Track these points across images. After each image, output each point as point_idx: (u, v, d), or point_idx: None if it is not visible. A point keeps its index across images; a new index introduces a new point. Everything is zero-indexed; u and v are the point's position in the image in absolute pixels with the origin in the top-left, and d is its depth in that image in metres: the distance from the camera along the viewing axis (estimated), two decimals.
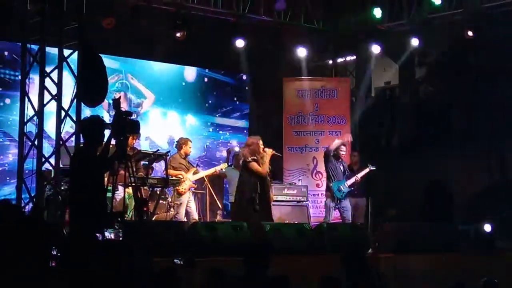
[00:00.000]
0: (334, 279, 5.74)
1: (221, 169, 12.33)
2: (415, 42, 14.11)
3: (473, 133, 13.85)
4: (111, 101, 10.27)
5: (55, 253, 6.47)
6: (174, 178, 11.08)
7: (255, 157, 10.84)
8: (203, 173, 12.18)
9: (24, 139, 10.20)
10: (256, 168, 10.80)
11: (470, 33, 13.28)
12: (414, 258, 10.06)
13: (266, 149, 10.98)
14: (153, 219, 10.59)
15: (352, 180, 12.13)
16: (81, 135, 8.85)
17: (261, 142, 11.01)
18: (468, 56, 13.88)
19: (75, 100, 10.15)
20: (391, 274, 9.18)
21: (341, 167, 12.22)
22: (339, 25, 14.51)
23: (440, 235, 10.89)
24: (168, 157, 10.96)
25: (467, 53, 13.85)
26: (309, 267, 8.95)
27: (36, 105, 10.10)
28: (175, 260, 8.00)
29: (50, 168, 10.15)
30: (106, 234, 8.27)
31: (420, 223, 11.89)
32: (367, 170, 12.34)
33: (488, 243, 11.33)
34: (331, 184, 12.02)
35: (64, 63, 10.22)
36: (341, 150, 12.30)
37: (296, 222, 11.80)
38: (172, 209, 11.39)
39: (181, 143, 11.69)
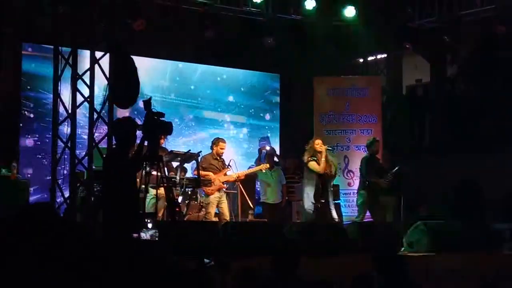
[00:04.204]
0: (366, 278, 5.73)
1: (265, 168, 12.28)
2: (446, 39, 14.01)
3: (506, 131, 13.71)
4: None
5: (89, 254, 6.52)
6: (203, 178, 11.11)
7: (314, 157, 11.46)
8: (245, 171, 12.20)
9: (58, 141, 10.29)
10: (314, 166, 11.43)
11: (502, 29, 13.18)
12: (447, 257, 9.98)
13: (322, 147, 11.52)
14: (185, 219, 10.64)
15: (388, 178, 12.09)
16: (113, 137, 8.91)
17: (317, 142, 11.62)
18: (500, 53, 13.75)
19: (107, 102, 10.21)
20: (423, 274, 9.12)
21: (377, 165, 12.22)
22: (370, 23, 14.43)
23: (474, 234, 10.80)
24: (199, 158, 11.01)
25: (499, 50, 13.72)
26: (341, 266, 8.91)
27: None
28: (206, 261, 8.02)
29: (83, 169, 10.24)
30: (142, 235, 8.30)
31: (452, 222, 11.79)
32: (397, 168, 12.28)
33: None
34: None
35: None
36: (376, 147, 12.37)
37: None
38: (203, 209, 11.43)
39: (212, 143, 11.71)
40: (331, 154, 11.81)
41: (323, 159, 11.43)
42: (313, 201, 11.34)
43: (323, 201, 11.43)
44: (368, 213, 12.25)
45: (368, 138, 13.00)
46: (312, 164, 11.44)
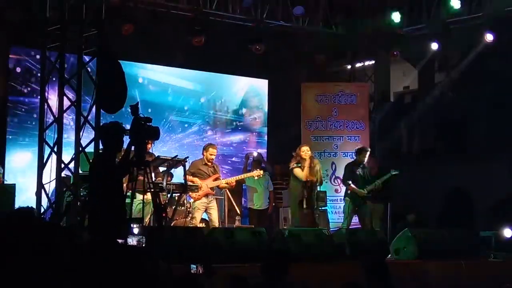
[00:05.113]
0: (356, 285, 5.71)
1: (258, 175, 12.16)
2: (434, 46, 14.03)
3: (493, 139, 13.75)
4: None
5: (74, 259, 6.47)
6: (190, 184, 11.06)
7: (299, 164, 11.55)
8: (236, 177, 12.11)
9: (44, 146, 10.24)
10: (297, 173, 11.54)
11: (490, 38, 13.22)
12: (434, 264, 9.99)
13: (306, 154, 11.60)
14: (172, 225, 10.59)
15: (372, 185, 12.03)
16: (100, 141, 8.87)
17: (303, 149, 11.72)
18: (488, 61, 13.78)
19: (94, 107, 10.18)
20: (411, 281, 9.12)
21: (361, 173, 12.15)
22: (357, 30, 14.45)
23: (461, 241, 10.82)
24: (186, 163, 10.95)
25: (487, 58, 13.76)
26: (328, 273, 8.90)
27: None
28: (192, 266, 7.98)
29: (70, 174, 10.18)
30: (129, 240, 8.24)
31: (440, 229, 11.80)
32: (388, 175, 12.17)
33: (509, 248, 11.22)
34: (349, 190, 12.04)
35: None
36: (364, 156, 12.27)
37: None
38: (190, 214, 11.38)
39: (203, 149, 11.65)
40: (316, 161, 11.78)
41: (306, 166, 11.46)
42: (299, 207, 11.34)
43: (309, 207, 11.42)
44: (355, 220, 12.22)
45: (356, 145, 13.02)
46: (297, 171, 11.51)
